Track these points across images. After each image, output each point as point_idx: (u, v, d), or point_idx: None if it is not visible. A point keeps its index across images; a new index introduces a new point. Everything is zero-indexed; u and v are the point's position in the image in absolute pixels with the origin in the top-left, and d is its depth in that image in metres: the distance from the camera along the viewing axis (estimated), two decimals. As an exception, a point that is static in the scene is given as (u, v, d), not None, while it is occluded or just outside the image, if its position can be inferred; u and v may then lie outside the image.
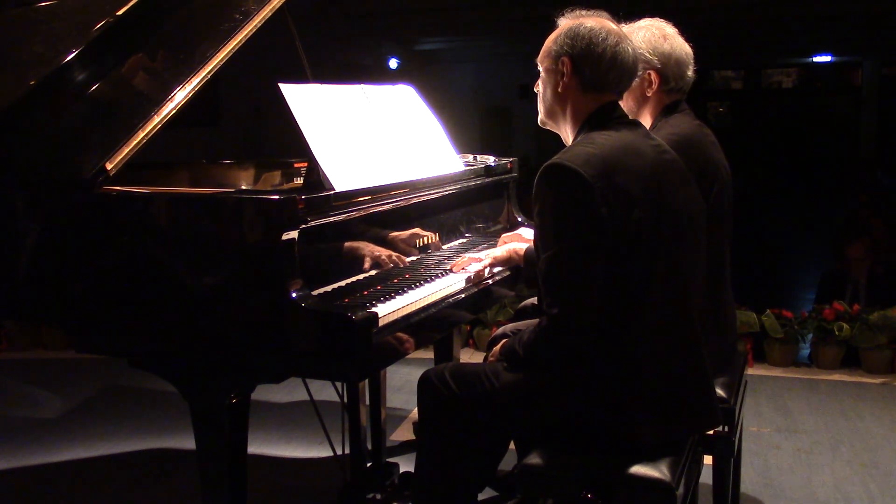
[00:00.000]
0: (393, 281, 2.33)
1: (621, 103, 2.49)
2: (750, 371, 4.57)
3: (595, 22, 2.06)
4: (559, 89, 2.08)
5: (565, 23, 2.10)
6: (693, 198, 2.08)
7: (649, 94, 2.47)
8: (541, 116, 2.19)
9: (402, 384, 4.41)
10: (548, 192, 1.91)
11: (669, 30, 2.48)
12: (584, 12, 2.11)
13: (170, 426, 3.89)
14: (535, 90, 2.18)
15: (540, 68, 2.14)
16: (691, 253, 2.04)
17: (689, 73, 2.50)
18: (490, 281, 2.50)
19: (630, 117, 2.50)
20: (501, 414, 2.10)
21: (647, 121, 2.50)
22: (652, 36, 2.45)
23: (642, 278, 1.91)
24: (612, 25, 2.08)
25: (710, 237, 2.41)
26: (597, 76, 2.04)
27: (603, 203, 1.86)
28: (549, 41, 2.11)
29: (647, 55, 2.43)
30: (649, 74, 2.45)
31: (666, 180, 1.99)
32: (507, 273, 2.57)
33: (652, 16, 2.53)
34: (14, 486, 3.41)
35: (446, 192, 2.66)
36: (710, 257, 2.41)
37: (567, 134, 2.13)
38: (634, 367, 1.92)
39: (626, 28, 2.49)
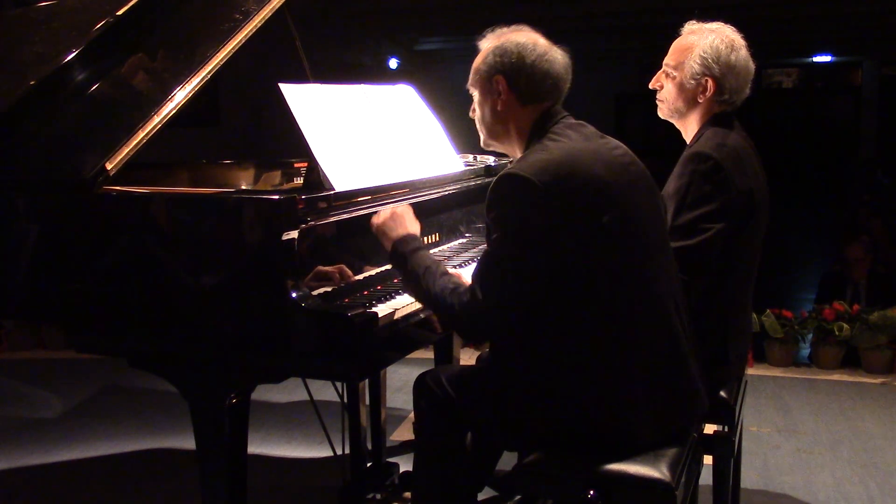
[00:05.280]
0: (393, 281, 2.32)
1: (668, 99, 2.46)
2: (750, 371, 4.57)
3: (521, 36, 2.06)
4: (498, 108, 2.07)
5: (489, 43, 2.09)
6: (651, 191, 2.07)
7: (701, 101, 2.43)
8: (484, 139, 2.17)
9: (402, 384, 4.41)
10: (501, 201, 1.91)
11: (739, 41, 2.44)
12: (505, 29, 2.10)
13: (170, 426, 3.89)
14: (472, 116, 2.16)
15: (473, 92, 2.13)
16: (658, 243, 2.03)
17: (747, 89, 2.45)
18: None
19: (678, 116, 2.48)
20: (497, 416, 2.10)
21: (692, 124, 2.48)
22: (721, 43, 2.40)
23: (610, 277, 1.91)
24: (537, 36, 2.07)
25: (749, 253, 2.39)
26: (532, 87, 2.03)
27: (558, 208, 1.86)
28: (477, 63, 2.10)
29: (710, 62, 2.38)
30: (706, 81, 2.40)
31: (623, 175, 1.99)
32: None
33: (697, 18, 2.49)
34: (14, 486, 3.41)
35: (446, 192, 2.66)
36: (745, 271, 2.41)
37: (514, 150, 2.11)
38: (610, 365, 1.92)
39: (697, 26, 2.46)
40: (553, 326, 1.93)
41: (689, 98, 2.45)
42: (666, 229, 2.10)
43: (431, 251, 2.60)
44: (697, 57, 2.40)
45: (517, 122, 2.07)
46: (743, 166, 2.35)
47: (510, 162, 3.11)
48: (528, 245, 1.88)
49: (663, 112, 2.53)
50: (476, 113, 2.15)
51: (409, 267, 2.04)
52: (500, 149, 2.17)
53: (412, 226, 2.15)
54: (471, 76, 2.12)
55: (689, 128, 2.50)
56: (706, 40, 2.41)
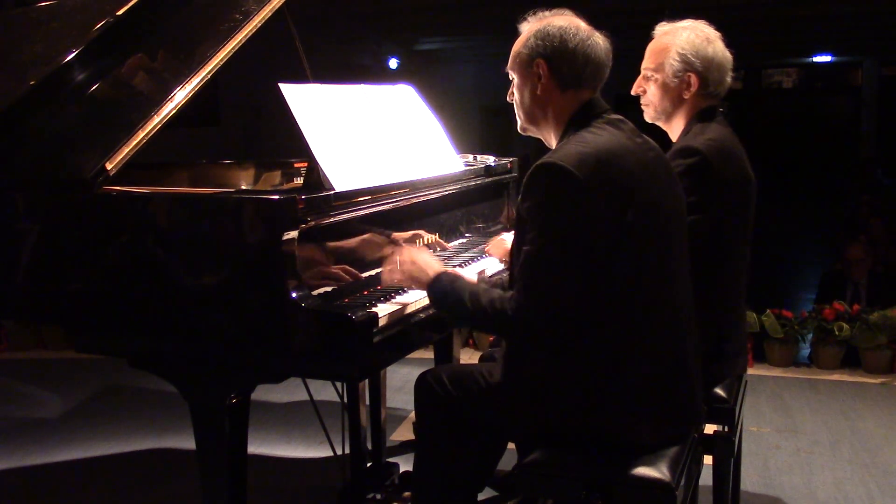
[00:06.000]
0: (393, 281, 2.32)
1: (654, 101, 2.48)
2: (750, 371, 4.56)
3: (563, 20, 2.05)
4: (538, 92, 2.06)
5: (531, 26, 2.08)
6: (677, 196, 2.08)
7: (686, 97, 2.44)
8: (521, 124, 2.16)
9: (402, 384, 4.41)
10: (539, 190, 1.89)
11: (713, 33, 2.46)
12: (547, 13, 2.09)
13: (170, 426, 3.89)
14: (510, 99, 2.15)
15: (512, 76, 2.12)
16: (679, 250, 2.03)
17: (728, 78, 2.47)
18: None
19: (665, 117, 2.50)
20: (497, 416, 2.10)
21: (679, 122, 2.49)
22: (696, 38, 2.42)
23: (631, 277, 1.91)
24: (579, 21, 2.06)
25: (737, 246, 2.41)
26: (573, 72, 2.02)
27: (596, 202, 1.85)
28: (518, 46, 2.09)
29: (690, 57, 2.41)
30: (689, 77, 2.42)
31: (655, 178, 1.99)
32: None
33: (696, 17, 2.50)
34: (14, 486, 3.41)
35: (446, 192, 2.66)
36: (735, 265, 2.42)
37: (550, 136, 2.11)
38: (618, 366, 1.92)
39: (669, 27, 2.48)
40: (573, 324, 1.92)
41: (675, 97, 2.46)
42: (686, 235, 2.10)
43: (431, 252, 2.61)
44: (676, 54, 2.42)
45: (555, 108, 2.06)
46: (728, 157, 2.37)
47: (510, 162, 3.14)
48: (567, 238, 1.87)
49: (649, 115, 2.55)
50: (514, 97, 2.14)
51: (451, 301, 2.04)
52: (535, 134, 2.16)
53: (433, 262, 2.16)
54: (510, 59, 2.11)
55: (675, 127, 2.52)
56: (681, 37, 2.43)
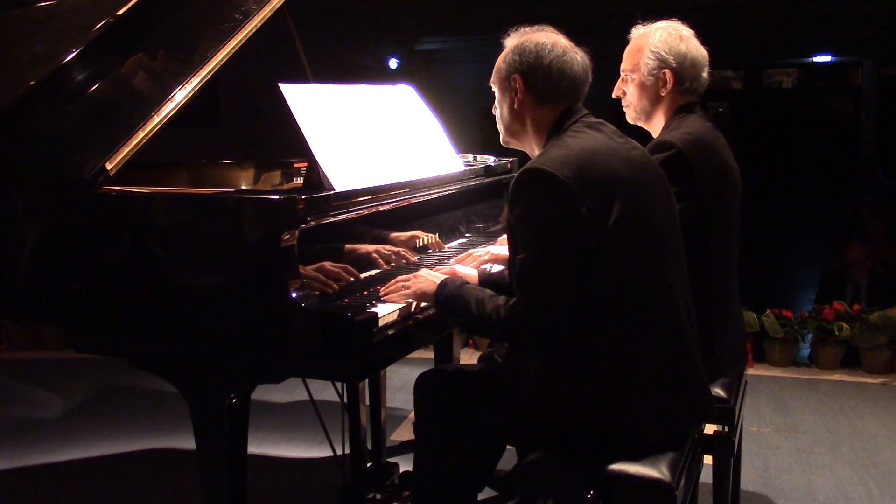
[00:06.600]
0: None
1: (633, 102, 2.52)
2: (750, 371, 4.57)
3: (542, 35, 2.08)
4: (515, 106, 2.09)
5: (512, 41, 2.11)
6: (666, 192, 2.08)
7: (663, 94, 2.48)
8: (503, 136, 2.19)
9: (402, 384, 4.41)
10: (525, 196, 1.91)
11: (686, 31, 2.50)
12: (528, 28, 2.12)
13: (170, 426, 3.89)
14: (493, 112, 2.18)
15: (494, 90, 2.15)
16: (672, 245, 2.04)
17: (704, 74, 2.50)
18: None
19: (645, 117, 2.53)
20: (497, 416, 2.10)
21: (659, 120, 2.51)
22: (669, 36, 2.46)
23: (625, 274, 1.92)
24: (558, 37, 2.09)
25: (720, 239, 2.42)
26: (549, 87, 2.05)
27: (581, 203, 1.87)
28: (498, 62, 2.12)
29: (663, 54, 2.44)
30: (664, 73, 2.45)
31: (640, 175, 2.00)
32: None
33: (669, 17, 2.54)
34: (14, 486, 3.41)
35: (446, 192, 2.66)
36: (720, 259, 2.42)
37: (532, 147, 2.14)
38: (621, 364, 1.92)
39: (643, 29, 2.52)
40: (575, 325, 1.92)
41: (652, 95, 2.49)
42: (679, 231, 2.11)
43: (431, 252, 2.61)
44: (650, 53, 2.46)
45: (534, 121, 2.09)
46: (705, 149, 2.38)
47: (510, 162, 3.14)
48: (558, 240, 1.88)
49: (630, 116, 2.58)
50: (496, 110, 2.17)
51: (458, 306, 2.05)
52: (517, 146, 2.19)
53: (435, 275, 2.18)
54: (493, 74, 2.14)
55: (655, 125, 2.55)
56: (655, 37, 2.47)
